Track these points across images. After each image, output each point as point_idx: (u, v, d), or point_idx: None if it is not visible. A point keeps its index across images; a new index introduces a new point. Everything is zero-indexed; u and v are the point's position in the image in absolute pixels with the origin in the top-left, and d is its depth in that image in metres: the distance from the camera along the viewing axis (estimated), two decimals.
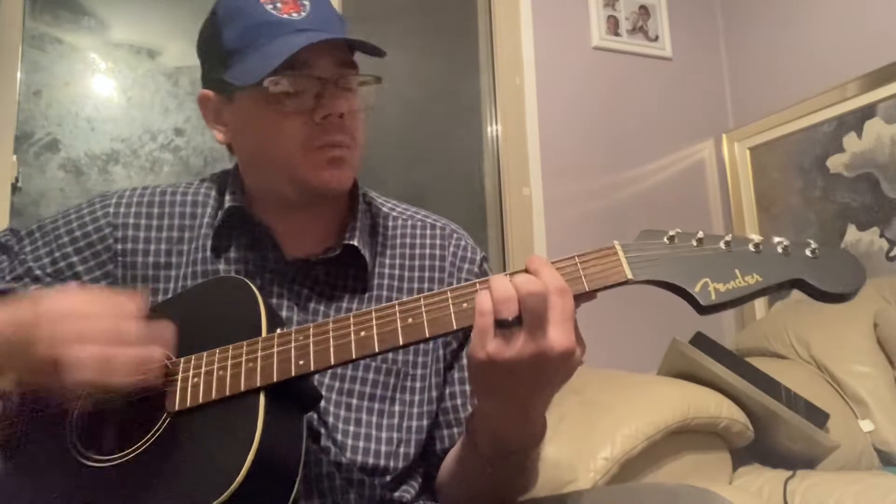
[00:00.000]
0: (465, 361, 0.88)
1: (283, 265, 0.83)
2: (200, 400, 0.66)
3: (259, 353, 0.67)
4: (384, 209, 0.94)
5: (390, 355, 0.83)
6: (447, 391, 0.89)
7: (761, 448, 1.61)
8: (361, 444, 0.80)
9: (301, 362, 0.65)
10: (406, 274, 0.89)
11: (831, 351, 1.89)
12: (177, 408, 0.67)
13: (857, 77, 2.31)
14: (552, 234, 2.39)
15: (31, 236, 0.87)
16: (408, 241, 0.92)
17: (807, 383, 1.76)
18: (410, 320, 0.65)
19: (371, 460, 0.80)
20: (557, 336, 0.60)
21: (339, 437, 0.79)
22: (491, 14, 2.58)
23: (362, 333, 0.65)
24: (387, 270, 0.88)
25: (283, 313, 0.81)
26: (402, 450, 0.82)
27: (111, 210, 0.86)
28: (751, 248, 0.63)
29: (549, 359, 0.60)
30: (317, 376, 0.80)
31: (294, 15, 0.78)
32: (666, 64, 2.74)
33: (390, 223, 0.93)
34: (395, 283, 0.88)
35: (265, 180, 0.84)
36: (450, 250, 0.92)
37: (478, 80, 2.58)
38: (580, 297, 0.65)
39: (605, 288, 0.65)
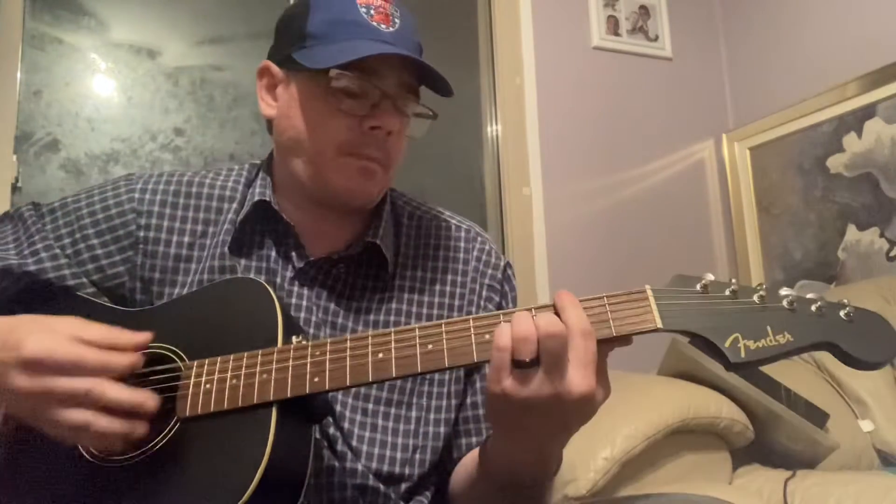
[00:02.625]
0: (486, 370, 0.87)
1: (305, 263, 0.82)
2: (212, 409, 0.66)
3: (274, 366, 0.66)
4: (408, 208, 0.93)
5: (398, 381, 0.81)
6: (468, 400, 0.87)
7: (761, 448, 1.61)
8: (377, 450, 0.79)
9: (316, 379, 0.65)
10: (428, 275, 0.87)
11: None
12: (188, 413, 0.66)
13: (857, 77, 2.31)
14: (552, 234, 2.39)
15: (53, 213, 0.84)
16: (431, 241, 0.90)
17: (807, 383, 1.76)
18: (430, 346, 0.64)
19: (386, 467, 0.78)
20: (576, 379, 0.59)
21: (355, 442, 0.78)
22: (491, 14, 2.58)
23: (380, 356, 0.64)
24: (409, 271, 0.87)
25: (302, 314, 0.80)
26: (417, 456, 0.81)
27: (136, 196, 0.84)
28: (785, 304, 0.62)
29: (566, 401, 0.59)
30: None
31: (383, 26, 0.78)
32: (666, 64, 2.74)
33: (415, 222, 0.91)
34: (417, 285, 0.86)
35: (294, 171, 0.83)
36: (473, 254, 0.90)
37: (478, 80, 2.58)
38: (612, 342, 0.63)
39: (633, 334, 0.63)
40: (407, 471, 0.80)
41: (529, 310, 0.63)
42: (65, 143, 1.98)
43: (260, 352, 0.67)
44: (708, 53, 2.86)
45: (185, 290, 0.80)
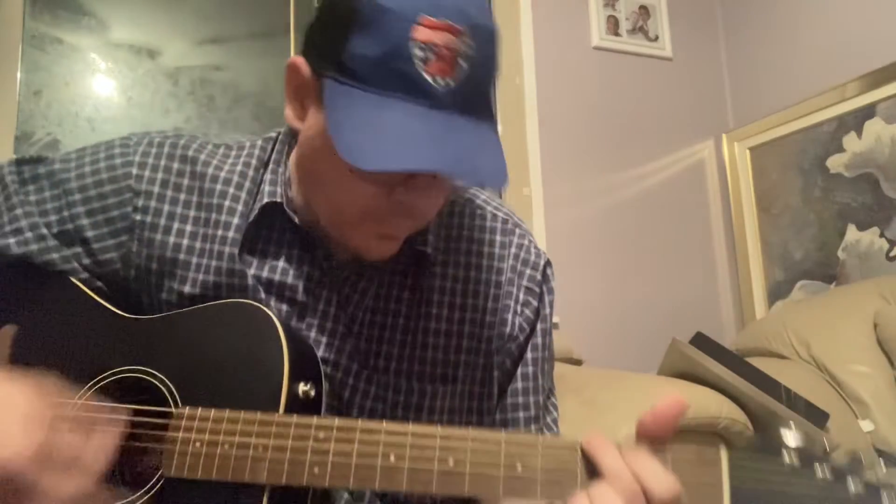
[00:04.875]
0: (523, 384, 0.79)
1: (331, 265, 0.73)
2: (199, 475, 0.60)
3: (272, 441, 0.59)
4: None
5: (428, 387, 0.74)
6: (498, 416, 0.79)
7: None
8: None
9: (316, 470, 0.58)
10: (461, 273, 0.77)
11: (831, 351, 1.89)
12: (173, 474, 0.61)
13: (857, 77, 2.31)
14: (552, 234, 2.39)
15: (37, 182, 0.74)
16: (464, 232, 0.78)
17: (807, 383, 1.76)
18: (451, 463, 0.55)
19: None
20: None
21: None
22: (491, 14, 2.58)
23: (392, 459, 0.56)
24: (439, 269, 0.76)
25: (329, 323, 0.72)
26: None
27: (133, 171, 0.73)
28: (884, 500, 0.50)
29: None
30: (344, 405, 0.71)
31: (440, 82, 0.59)
32: (666, 64, 2.74)
33: (456, 209, 0.79)
34: (448, 285, 0.76)
35: (313, 200, 0.71)
36: (511, 251, 0.79)
37: None
38: None
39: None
40: None
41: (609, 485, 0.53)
42: (65, 143, 1.98)
43: (258, 417, 0.60)
44: (708, 53, 2.86)
45: (187, 289, 0.71)
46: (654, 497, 0.50)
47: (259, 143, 0.78)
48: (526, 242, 0.81)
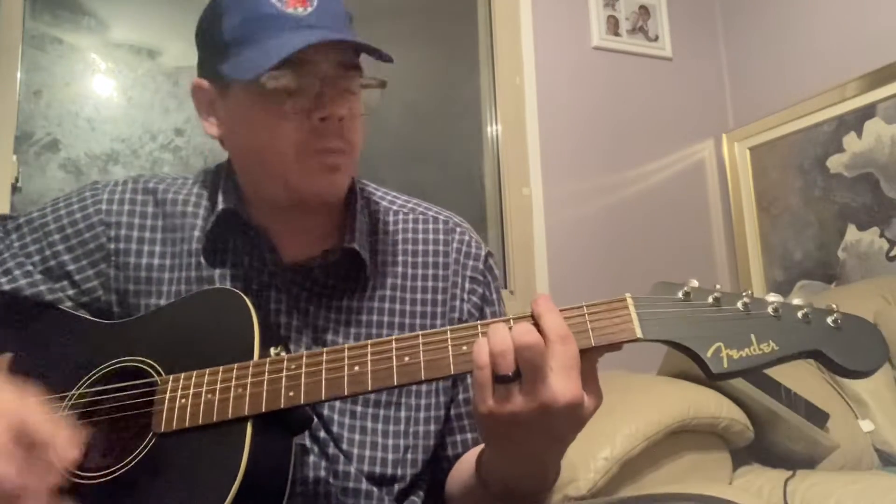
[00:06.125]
0: None
1: (280, 269, 0.80)
2: (186, 424, 0.65)
3: (249, 380, 0.65)
4: (384, 203, 0.90)
5: None
6: (460, 396, 0.86)
7: (761, 448, 1.61)
8: (368, 452, 0.78)
9: (291, 394, 0.64)
10: (409, 271, 0.85)
11: None
12: (162, 429, 0.66)
13: (857, 77, 2.31)
14: (552, 234, 2.39)
15: (19, 230, 0.83)
16: (409, 236, 0.88)
17: (807, 383, 1.76)
18: (407, 359, 0.62)
19: (378, 469, 0.78)
20: (560, 387, 0.57)
21: (346, 446, 0.77)
22: (491, 14, 2.58)
23: (356, 368, 0.63)
24: (388, 268, 0.85)
25: (282, 318, 0.79)
26: (409, 456, 0.80)
27: (103, 207, 0.82)
28: (770, 311, 0.60)
29: (553, 411, 0.57)
30: None
31: (300, 9, 0.73)
32: (666, 64, 2.74)
33: (391, 218, 0.89)
34: (398, 282, 0.84)
35: (257, 181, 0.80)
36: (453, 246, 0.88)
37: (478, 80, 2.58)
38: (599, 349, 0.62)
39: (612, 345, 0.62)
40: (399, 471, 0.79)
41: (507, 320, 0.61)
42: (65, 143, 1.98)
43: (235, 366, 0.66)
44: (708, 53, 2.86)
45: (163, 301, 0.79)
46: (551, 339, 0.59)
47: (211, 169, 0.88)
48: (467, 238, 0.90)
